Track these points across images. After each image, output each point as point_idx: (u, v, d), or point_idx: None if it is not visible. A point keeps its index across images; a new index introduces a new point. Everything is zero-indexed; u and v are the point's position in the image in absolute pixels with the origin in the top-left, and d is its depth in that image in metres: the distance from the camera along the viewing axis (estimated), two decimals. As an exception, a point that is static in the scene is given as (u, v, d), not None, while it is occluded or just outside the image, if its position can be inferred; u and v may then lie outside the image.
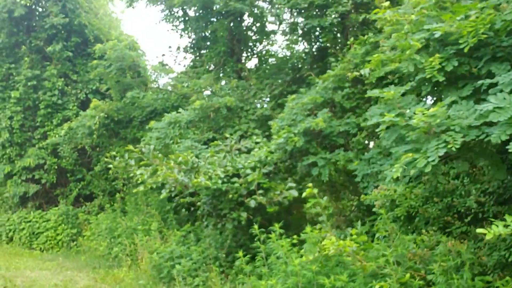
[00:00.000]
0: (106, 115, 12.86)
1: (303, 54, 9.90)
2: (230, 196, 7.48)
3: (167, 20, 14.49)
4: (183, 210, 11.38)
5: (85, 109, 15.47)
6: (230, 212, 7.81)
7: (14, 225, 14.69)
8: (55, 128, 15.10)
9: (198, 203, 8.83)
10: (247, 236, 8.57)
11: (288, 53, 12.17)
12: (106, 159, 10.85)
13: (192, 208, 11.43)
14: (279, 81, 9.66)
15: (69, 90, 15.30)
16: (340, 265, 5.06)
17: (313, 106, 7.18)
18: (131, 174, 10.18)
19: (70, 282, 9.85)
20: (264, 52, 13.46)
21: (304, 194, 5.18)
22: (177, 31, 14.86)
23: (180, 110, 10.13)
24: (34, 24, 15.18)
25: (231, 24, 13.06)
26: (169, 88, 14.06)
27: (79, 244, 13.83)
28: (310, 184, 5.19)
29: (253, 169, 7.75)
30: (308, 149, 7.01)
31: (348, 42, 7.24)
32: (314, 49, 9.45)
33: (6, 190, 14.97)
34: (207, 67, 13.80)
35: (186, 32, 14.85)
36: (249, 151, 8.88)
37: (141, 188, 10.32)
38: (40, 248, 14.17)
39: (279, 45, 13.17)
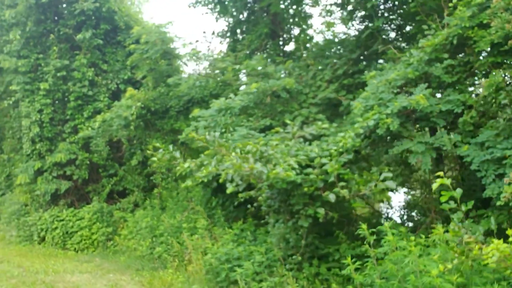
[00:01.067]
0: (142, 105, 11.93)
1: (366, 31, 8.77)
2: (306, 189, 6.46)
3: (203, 3, 13.52)
4: (232, 206, 10.41)
5: (116, 100, 14.66)
6: (304, 207, 6.80)
7: (46, 224, 13.91)
8: (86, 121, 14.27)
9: (260, 198, 7.83)
10: (319, 234, 7.59)
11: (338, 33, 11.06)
12: (148, 152, 9.94)
13: (236, 203, 10.51)
14: (343, 59, 8.56)
15: (99, 80, 14.41)
16: (479, 275, 4.00)
17: (403, 82, 6.11)
18: (178, 168, 9.30)
19: (116, 287, 8.98)
20: (313, 31, 12.40)
21: (434, 186, 4.13)
22: (213, 14, 13.89)
23: (231, 95, 9.12)
24: (62, 10, 14.31)
25: (270, 6, 12.02)
26: (204, 72, 13.03)
27: (116, 243, 13.00)
28: (440, 173, 4.13)
29: (329, 158, 6.71)
30: (400, 133, 5.96)
31: (450, 4, 6.14)
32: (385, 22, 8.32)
33: (36, 188, 14.18)
34: (248, 51, 12.79)
35: (223, 15, 13.86)
36: (314, 138, 7.86)
37: (189, 182, 9.42)
38: (75, 248, 13.37)
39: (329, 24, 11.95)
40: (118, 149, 15.26)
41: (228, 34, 13.95)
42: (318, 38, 11.66)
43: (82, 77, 14.17)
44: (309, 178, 6.43)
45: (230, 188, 6.72)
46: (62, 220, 13.73)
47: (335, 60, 8.74)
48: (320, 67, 9.00)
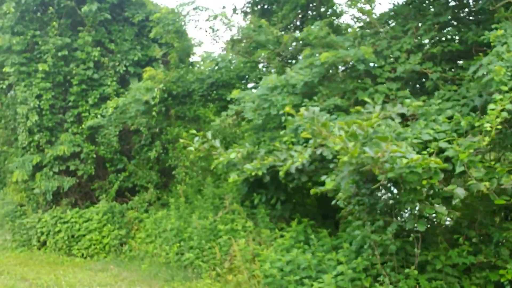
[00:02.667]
0: (164, 87, 10.21)
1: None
2: (424, 182, 4.93)
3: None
4: (280, 203, 8.83)
5: (124, 86, 12.88)
6: (415, 206, 5.28)
7: (47, 227, 12.09)
8: (91, 108, 12.45)
9: (339, 194, 6.26)
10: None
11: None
12: (182, 141, 8.32)
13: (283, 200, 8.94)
14: (427, 24, 7.03)
15: (106, 62, 12.60)
16: None
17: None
18: (217, 159, 7.70)
19: (151, 305, 7.34)
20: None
21: None
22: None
23: (287, 70, 7.52)
24: (62, -21, 12.43)
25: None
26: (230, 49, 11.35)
27: (131, 248, 11.29)
28: None
29: (448, 142, 5.20)
30: None
31: None
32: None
33: (35, 185, 12.32)
34: (280, 28, 11.16)
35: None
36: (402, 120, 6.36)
37: (235, 176, 7.85)
38: (82, 254, 11.60)
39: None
40: (126, 140, 13.52)
41: (254, 8, 12.29)
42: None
43: (86, 57, 12.34)
44: (431, 167, 4.89)
45: (328, 183, 5.11)
46: (67, 222, 11.93)
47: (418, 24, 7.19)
48: (397, 34, 7.44)
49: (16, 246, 12.63)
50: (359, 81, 7.16)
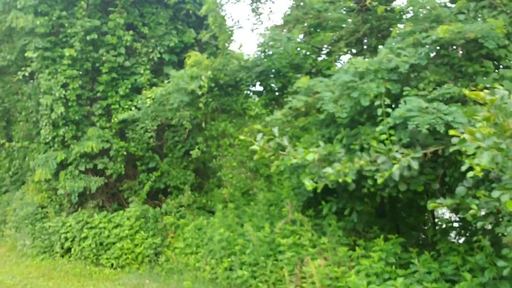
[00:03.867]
0: (211, 76, 8.77)
1: None
2: None
3: None
4: (356, 214, 7.35)
5: (157, 74, 11.48)
6: None
7: (72, 232, 10.75)
8: (121, 100, 11.08)
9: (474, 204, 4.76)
10: None
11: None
12: (241, 138, 6.87)
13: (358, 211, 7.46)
14: None
15: (139, 47, 11.20)
16: None
17: None
18: (294, 160, 6.27)
19: None
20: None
21: None
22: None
23: (381, 50, 6.01)
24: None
25: None
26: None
27: (167, 259, 9.90)
28: None
29: None
30: None
31: None
32: None
33: (59, 185, 10.99)
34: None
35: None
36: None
37: (311, 182, 6.43)
38: (112, 265, 10.23)
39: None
40: (158, 136, 12.13)
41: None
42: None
43: (118, 42, 10.95)
44: None
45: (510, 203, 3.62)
46: (94, 227, 10.57)
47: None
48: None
49: (36, 253, 11.32)
50: (479, 63, 5.65)
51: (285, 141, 6.50)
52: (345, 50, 9.07)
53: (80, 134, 11.07)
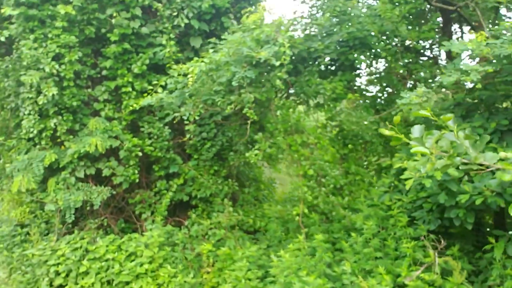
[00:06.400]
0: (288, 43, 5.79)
1: None
2: None
3: None
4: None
5: (181, 49, 8.49)
6: None
7: (66, 264, 7.61)
8: (135, 81, 8.04)
9: None
10: None
11: None
12: (389, 133, 3.96)
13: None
14: None
15: (160, 9, 8.16)
16: None
17: None
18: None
19: None
20: None
21: None
22: None
23: None
24: None
25: None
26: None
27: (205, 305, 6.93)
28: None
29: None
30: None
31: None
32: None
33: (47, 198, 7.87)
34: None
35: None
36: None
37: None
38: (124, 313, 7.20)
39: None
40: (179, 131, 9.15)
41: None
42: None
43: (132, 0, 7.90)
44: None
45: None
46: (98, 258, 7.50)
47: None
48: None
49: (14, 290, 8.16)
50: None
51: (466, 142, 3.67)
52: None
53: (78, 127, 7.98)
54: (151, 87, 7.14)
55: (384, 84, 7.73)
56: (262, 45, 5.67)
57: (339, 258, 5.80)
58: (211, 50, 6.33)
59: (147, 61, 8.02)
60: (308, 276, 5.53)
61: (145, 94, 7.15)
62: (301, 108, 7.30)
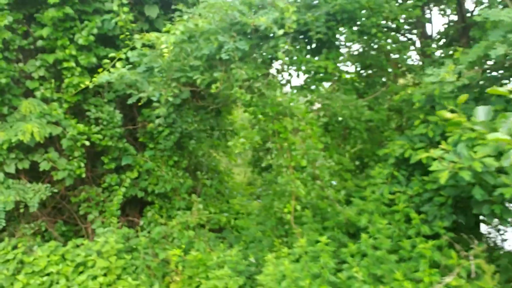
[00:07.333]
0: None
1: None
2: None
3: None
4: None
5: (136, 20, 7.23)
6: None
7: (-6, 281, 6.12)
8: (81, 54, 6.61)
9: None
10: None
11: None
12: (451, 116, 3.23)
13: None
14: None
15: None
16: None
17: None
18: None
19: None
20: None
21: None
22: None
23: None
24: None
25: None
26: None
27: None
28: None
29: None
30: None
31: None
32: None
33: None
34: None
35: None
36: None
37: None
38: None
39: None
40: (129, 116, 7.90)
41: None
42: None
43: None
44: None
45: None
46: (38, 272, 6.08)
47: None
48: None
49: None
50: None
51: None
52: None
53: (7, 111, 6.41)
54: (105, 61, 5.79)
55: (369, 65, 7.02)
56: (255, 11, 4.65)
57: (337, 261, 5.01)
58: (184, 17, 5.17)
59: (95, 30, 6.62)
60: (312, 285, 4.69)
61: (100, 69, 5.79)
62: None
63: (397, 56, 7.50)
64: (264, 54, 4.89)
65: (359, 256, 4.87)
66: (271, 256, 5.43)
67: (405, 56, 6.92)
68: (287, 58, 5.44)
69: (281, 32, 4.35)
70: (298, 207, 5.50)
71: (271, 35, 4.71)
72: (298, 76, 5.90)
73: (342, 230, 5.69)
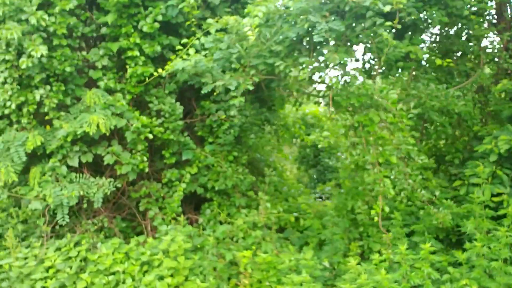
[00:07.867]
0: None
1: None
2: None
3: None
4: None
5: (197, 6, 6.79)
6: None
7: (57, 278, 5.83)
8: (144, 42, 6.28)
9: None
10: None
11: None
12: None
13: None
14: None
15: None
16: None
17: None
18: None
19: None
20: None
21: None
22: None
23: None
24: None
25: None
26: None
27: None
28: None
29: None
30: None
31: None
32: None
33: (29, 193, 6.02)
34: None
35: None
36: None
37: None
38: None
39: None
40: (187, 108, 7.52)
41: None
42: None
43: None
44: None
45: None
46: (103, 271, 5.79)
47: None
48: None
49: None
50: None
51: None
52: None
53: (70, 101, 6.14)
54: (179, 47, 5.41)
55: (455, 51, 6.38)
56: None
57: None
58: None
59: (160, 17, 6.26)
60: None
61: (173, 56, 5.42)
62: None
63: (487, 43, 6.80)
64: (360, 36, 4.38)
65: (467, 267, 4.32)
66: (353, 261, 4.95)
67: (495, 43, 6.26)
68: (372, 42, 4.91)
69: (387, 8, 3.84)
70: (387, 209, 4.98)
71: (367, 14, 4.19)
72: (381, 62, 5.33)
73: (432, 235, 5.14)
